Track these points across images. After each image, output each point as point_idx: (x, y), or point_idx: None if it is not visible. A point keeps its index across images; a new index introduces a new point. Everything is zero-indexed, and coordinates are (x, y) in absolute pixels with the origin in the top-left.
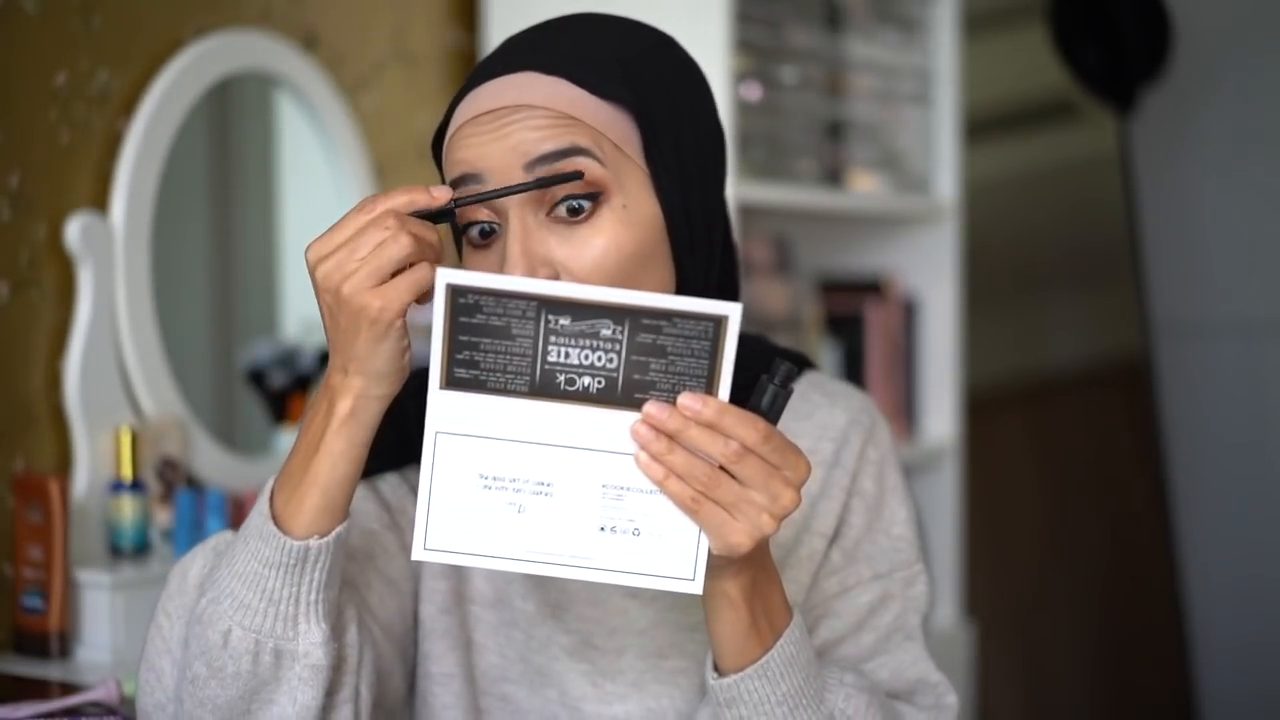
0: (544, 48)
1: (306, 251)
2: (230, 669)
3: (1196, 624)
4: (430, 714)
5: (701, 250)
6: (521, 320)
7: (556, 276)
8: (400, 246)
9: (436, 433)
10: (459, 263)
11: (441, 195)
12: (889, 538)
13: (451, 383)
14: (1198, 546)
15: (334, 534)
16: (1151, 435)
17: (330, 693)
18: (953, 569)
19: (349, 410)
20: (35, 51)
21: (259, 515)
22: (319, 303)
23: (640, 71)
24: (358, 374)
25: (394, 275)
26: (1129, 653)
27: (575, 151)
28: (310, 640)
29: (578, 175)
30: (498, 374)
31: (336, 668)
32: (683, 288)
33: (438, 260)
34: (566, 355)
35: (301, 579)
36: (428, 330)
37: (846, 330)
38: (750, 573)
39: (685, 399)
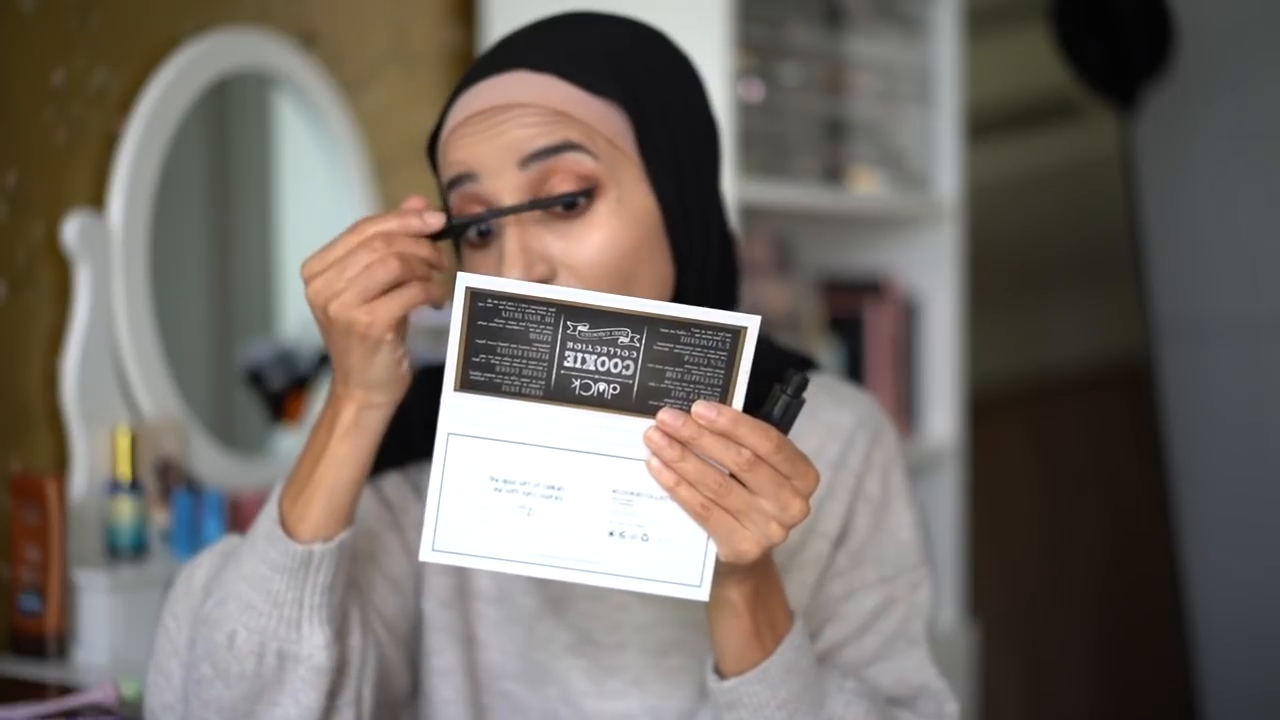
0: (534, 46)
1: (301, 267)
2: (235, 670)
3: (1198, 624)
4: (432, 709)
5: (699, 241)
6: (540, 325)
7: (554, 272)
8: (388, 270)
9: (449, 434)
10: (458, 269)
11: (435, 221)
12: (894, 541)
13: (466, 385)
14: (1199, 546)
15: (337, 540)
16: (1153, 435)
17: (332, 695)
18: (955, 570)
19: (352, 418)
20: (32, 50)
21: (267, 519)
22: (313, 317)
23: (630, 66)
24: (357, 385)
25: (383, 294)
26: (1131, 652)
27: (568, 147)
28: (313, 643)
29: (574, 200)
30: (513, 377)
31: (339, 671)
32: (681, 279)
33: (428, 278)
34: (583, 361)
35: (305, 583)
36: (429, 331)
37: (847, 330)
38: (754, 580)
39: (700, 407)
